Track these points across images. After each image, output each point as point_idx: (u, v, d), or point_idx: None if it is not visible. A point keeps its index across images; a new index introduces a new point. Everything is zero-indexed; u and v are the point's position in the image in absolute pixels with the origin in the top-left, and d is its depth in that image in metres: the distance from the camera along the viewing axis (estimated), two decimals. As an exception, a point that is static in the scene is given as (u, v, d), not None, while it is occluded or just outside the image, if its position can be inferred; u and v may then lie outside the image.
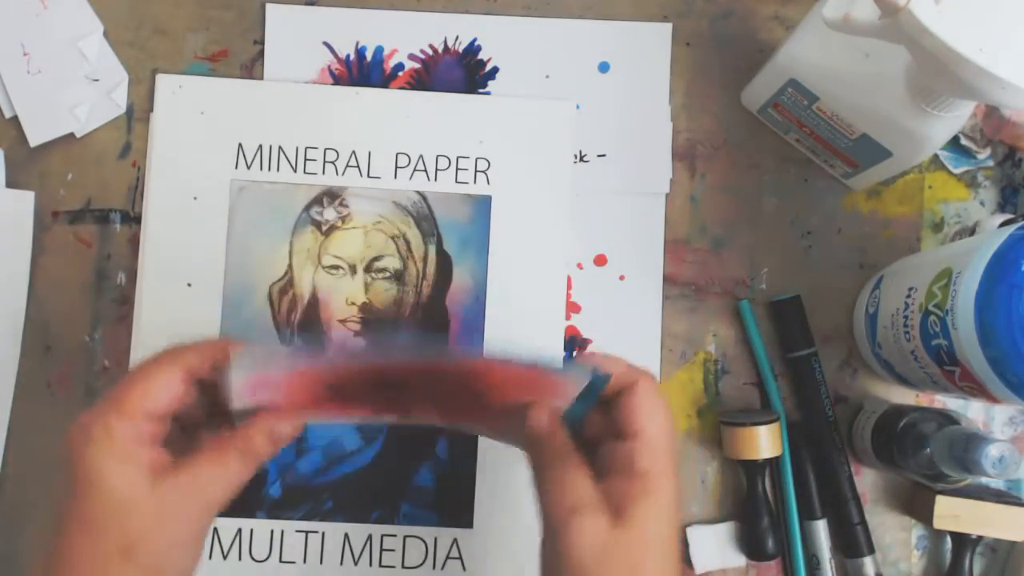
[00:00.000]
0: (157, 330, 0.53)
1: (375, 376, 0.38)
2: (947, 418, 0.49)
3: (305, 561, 0.51)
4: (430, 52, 0.55)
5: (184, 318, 0.53)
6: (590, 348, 0.54)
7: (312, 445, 0.52)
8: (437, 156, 0.54)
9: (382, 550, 0.51)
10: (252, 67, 0.55)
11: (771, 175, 0.55)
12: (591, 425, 0.39)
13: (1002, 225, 0.50)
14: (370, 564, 0.51)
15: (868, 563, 0.52)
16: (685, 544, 0.53)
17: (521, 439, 0.39)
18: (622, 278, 0.54)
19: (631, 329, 0.54)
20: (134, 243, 0.54)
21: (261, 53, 0.55)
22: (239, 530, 0.51)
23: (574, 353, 0.54)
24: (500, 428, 0.41)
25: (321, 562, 0.51)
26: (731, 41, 0.56)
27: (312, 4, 0.55)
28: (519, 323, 0.53)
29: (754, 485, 0.52)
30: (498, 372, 0.38)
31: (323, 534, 0.52)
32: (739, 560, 0.53)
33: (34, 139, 0.54)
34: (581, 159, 0.55)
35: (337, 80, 0.55)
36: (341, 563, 0.51)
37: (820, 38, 0.46)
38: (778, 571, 0.53)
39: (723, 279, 0.55)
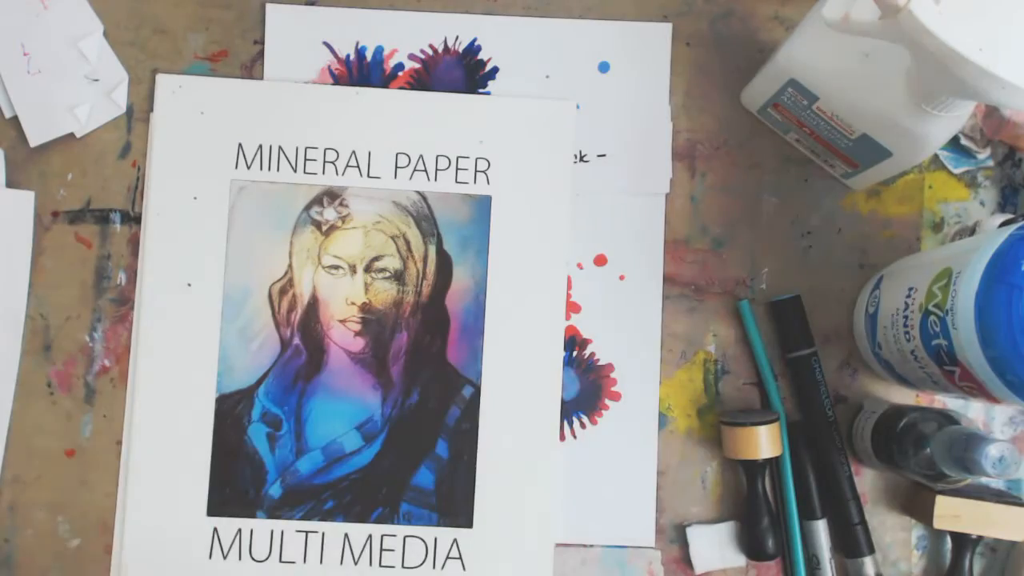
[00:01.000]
0: (157, 330, 0.53)
1: None
2: (947, 418, 0.49)
3: (305, 561, 0.51)
4: (430, 52, 0.55)
5: (184, 318, 0.53)
6: (590, 348, 0.54)
7: (312, 445, 0.52)
8: (437, 156, 0.54)
9: (382, 550, 0.52)
10: (252, 67, 0.55)
11: (771, 175, 0.55)
12: None
13: (1002, 225, 0.50)
14: (370, 564, 0.51)
15: (868, 563, 0.52)
16: (685, 544, 0.53)
17: None
18: (622, 278, 0.54)
19: (631, 329, 0.54)
20: (134, 243, 0.54)
21: (261, 53, 0.55)
22: (239, 530, 0.51)
23: (574, 353, 0.54)
24: None
25: (321, 562, 0.51)
26: (731, 41, 0.56)
27: (312, 4, 0.55)
28: (519, 323, 0.53)
29: (754, 485, 0.52)
30: None
31: (323, 534, 0.52)
32: (739, 560, 0.53)
33: (34, 139, 0.54)
34: (581, 159, 0.55)
35: (337, 80, 0.55)
36: (341, 563, 0.51)
37: (820, 38, 0.46)
38: (778, 571, 0.53)
39: (723, 279, 0.55)
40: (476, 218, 0.53)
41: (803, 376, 0.53)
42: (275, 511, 0.52)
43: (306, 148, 0.54)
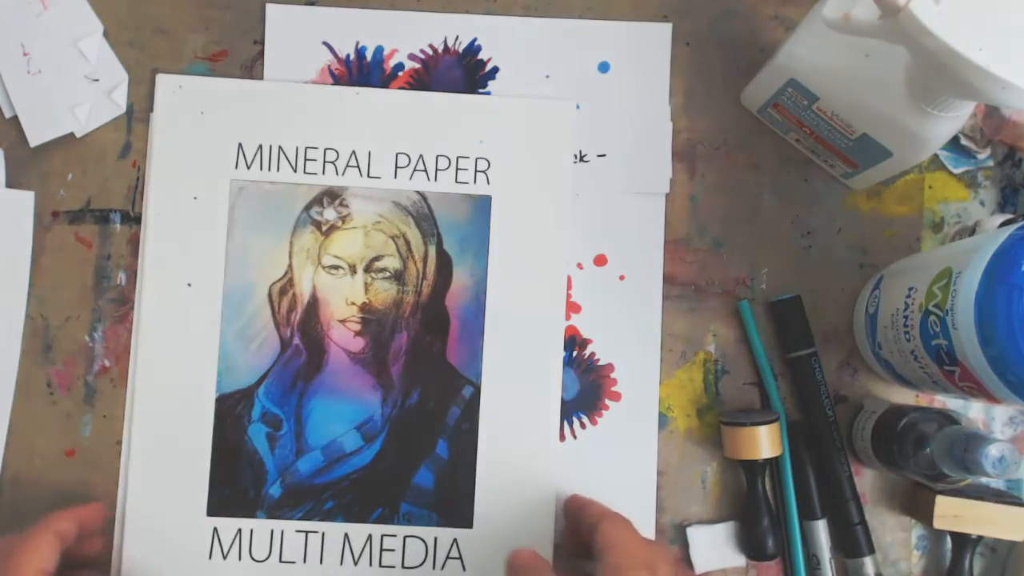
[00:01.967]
0: (158, 330, 0.53)
1: None
2: (947, 418, 0.49)
3: (305, 561, 0.51)
4: (430, 52, 0.55)
5: (184, 318, 0.53)
6: (590, 348, 0.54)
7: (312, 445, 0.52)
8: (437, 156, 0.54)
9: (382, 550, 0.52)
10: (252, 67, 0.55)
11: (771, 175, 0.55)
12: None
13: (1002, 225, 0.50)
14: (370, 564, 0.52)
15: (868, 563, 0.52)
16: (685, 544, 0.53)
17: None
18: (622, 278, 0.54)
19: (631, 329, 0.54)
20: (134, 243, 0.54)
21: (261, 53, 0.55)
22: (239, 530, 0.51)
23: (574, 353, 0.54)
24: None
25: (321, 562, 0.51)
26: (731, 41, 0.56)
27: (312, 4, 0.55)
28: (519, 323, 0.53)
29: (754, 485, 0.52)
30: None
31: (323, 534, 0.52)
32: (739, 560, 0.53)
33: (34, 139, 0.54)
34: (581, 159, 0.55)
35: (337, 80, 0.55)
36: (341, 563, 0.51)
37: (820, 38, 0.46)
38: (778, 571, 0.53)
39: (723, 279, 0.55)
40: (476, 218, 0.53)
41: (803, 376, 0.53)
42: (275, 511, 0.52)
43: (306, 148, 0.53)
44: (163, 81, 0.54)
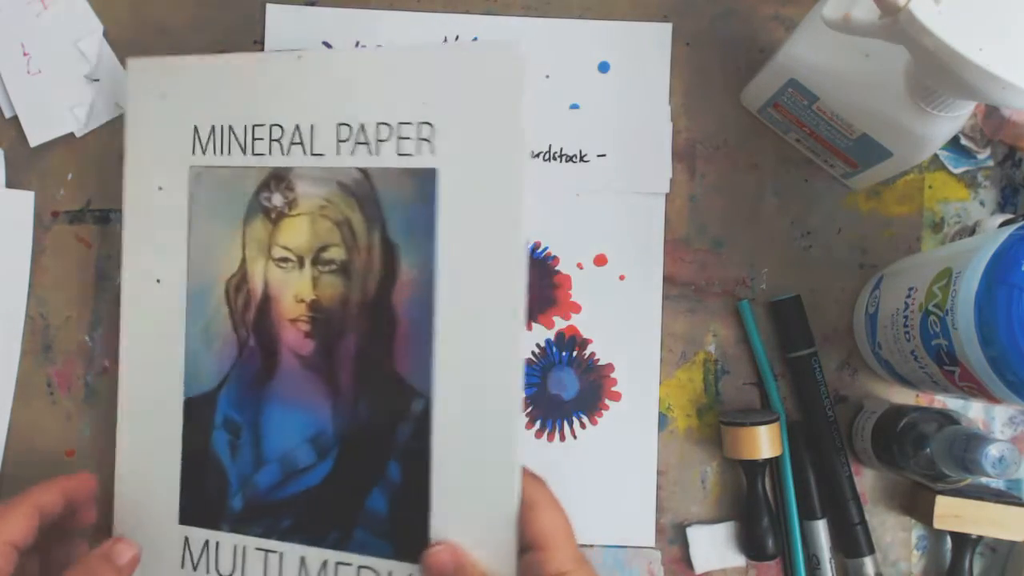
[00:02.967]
0: (132, 330, 0.50)
1: None
2: (947, 418, 0.49)
3: None
4: (430, 52, 0.55)
5: (154, 317, 0.49)
6: (590, 348, 0.54)
7: (270, 457, 0.47)
8: (378, 124, 0.45)
9: None
10: (252, 67, 0.55)
11: (771, 175, 0.55)
12: None
13: (1002, 225, 0.50)
14: None
15: (868, 563, 0.52)
16: (685, 544, 0.53)
17: None
18: (622, 278, 0.54)
19: (631, 329, 0.54)
20: (134, 243, 0.54)
21: (261, 53, 0.55)
22: (207, 542, 0.48)
23: (574, 353, 0.54)
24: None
25: None
26: (731, 41, 0.56)
27: (312, 4, 0.55)
28: (474, 323, 0.43)
29: (754, 485, 0.52)
30: None
31: (281, 555, 0.47)
32: (739, 560, 0.53)
33: (34, 139, 0.54)
34: (581, 159, 0.55)
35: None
36: None
37: (820, 38, 0.46)
38: (778, 571, 0.53)
39: (723, 279, 0.55)
40: (421, 197, 0.44)
41: (803, 376, 0.53)
42: (237, 525, 0.48)
43: (253, 126, 0.47)
44: (132, 65, 0.50)
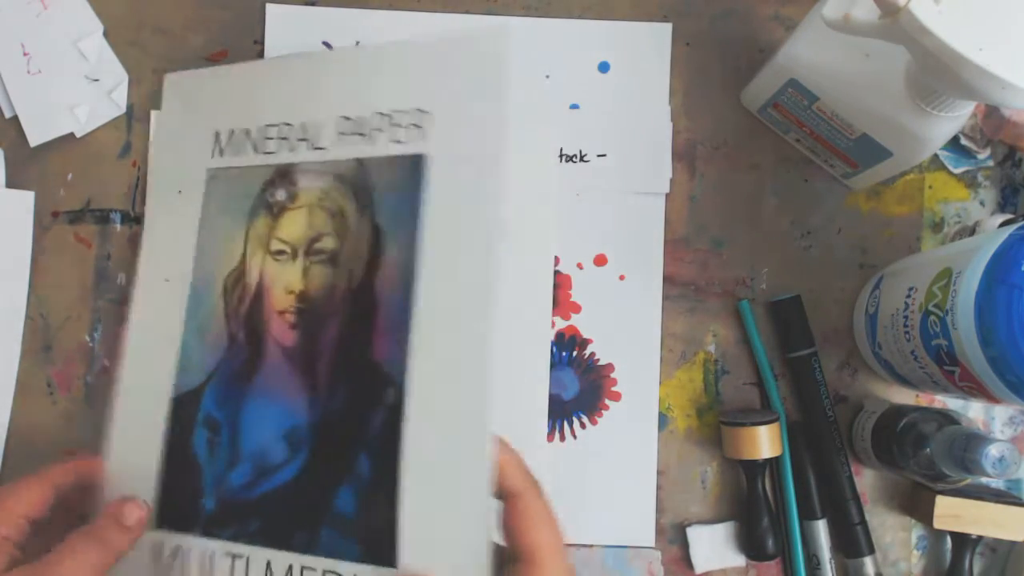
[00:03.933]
0: (134, 328, 0.50)
1: None
2: (947, 418, 0.49)
3: None
4: (430, 52, 0.55)
5: (157, 315, 0.49)
6: (590, 348, 0.54)
7: (244, 455, 0.46)
8: (375, 114, 0.46)
9: None
10: (252, 67, 0.55)
11: (771, 175, 0.55)
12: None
13: (1002, 225, 0.50)
14: None
15: (868, 563, 0.52)
16: (685, 544, 0.53)
17: None
18: (622, 278, 0.54)
19: (631, 329, 0.54)
20: (134, 243, 0.54)
21: (261, 53, 0.55)
22: (178, 547, 0.46)
23: (574, 353, 0.54)
24: None
25: None
26: (731, 41, 0.56)
27: (312, 4, 0.55)
28: (453, 311, 0.42)
29: (754, 485, 0.52)
30: None
31: (247, 558, 0.44)
32: (739, 560, 0.53)
33: (34, 139, 0.54)
34: (581, 159, 0.55)
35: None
36: None
37: (820, 38, 0.46)
38: (778, 571, 0.53)
39: (723, 279, 0.55)
40: (411, 183, 0.44)
41: (803, 376, 0.53)
42: (209, 528, 0.45)
43: (265, 126, 0.49)
44: (170, 80, 0.53)
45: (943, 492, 0.50)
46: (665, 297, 0.54)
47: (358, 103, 0.47)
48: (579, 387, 0.54)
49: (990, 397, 0.42)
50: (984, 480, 0.52)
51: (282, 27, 0.55)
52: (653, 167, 0.55)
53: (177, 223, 0.50)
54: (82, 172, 0.55)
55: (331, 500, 0.43)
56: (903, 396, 0.54)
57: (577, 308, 0.54)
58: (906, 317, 0.46)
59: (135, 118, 0.55)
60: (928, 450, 0.47)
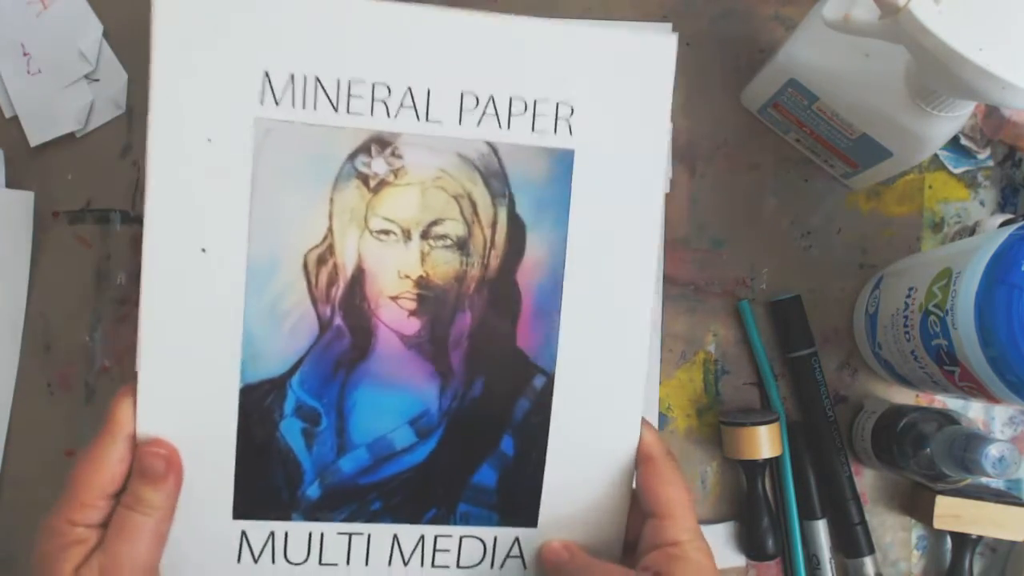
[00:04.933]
0: (165, 306, 0.43)
1: None
2: (947, 418, 0.49)
3: (349, 563, 0.46)
4: (430, 52, 0.55)
5: (198, 292, 0.43)
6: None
7: (356, 442, 0.45)
8: (511, 98, 0.44)
9: (435, 551, 0.46)
10: (252, 67, 0.55)
11: (771, 175, 0.55)
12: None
13: (1002, 225, 0.50)
14: (421, 564, 0.46)
15: (868, 563, 0.52)
16: (685, 544, 0.53)
17: None
18: (622, 278, 0.54)
19: (631, 329, 0.54)
20: (134, 243, 0.54)
21: (261, 53, 0.55)
22: (271, 533, 0.45)
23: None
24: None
25: (367, 564, 0.46)
26: (731, 41, 0.56)
27: None
28: (603, 304, 0.44)
29: (754, 485, 0.52)
30: None
31: (368, 535, 0.46)
32: (739, 560, 0.53)
33: (34, 139, 0.54)
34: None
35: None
36: (390, 564, 0.46)
37: (820, 38, 0.46)
38: (778, 571, 0.53)
39: (723, 279, 0.55)
40: (555, 177, 0.44)
41: (803, 376, 0.53)
42: (313, 513, 0.45)
43: (350, 82, 0.43)
44: None
45: (943, 492, 0.50)
46: (665, 297, 0.54)
47: (487, 80, 0.43)
48: (580, 387, 0.54)
49: (990, 397, 0.42)
50: (984, 480, 0.52)
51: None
52: (654, 167, 0.54)
53: (210, 179, 0.42)
54: (82, 172, 0.55)
55: (469, 476, 0.46)
56: (903, 396, 0.54)
57: (577, 308, 0.54)
58: (906, 317, 0.46)
59: (135, 118, 0.55)
60: (928, 450, 0.47)
